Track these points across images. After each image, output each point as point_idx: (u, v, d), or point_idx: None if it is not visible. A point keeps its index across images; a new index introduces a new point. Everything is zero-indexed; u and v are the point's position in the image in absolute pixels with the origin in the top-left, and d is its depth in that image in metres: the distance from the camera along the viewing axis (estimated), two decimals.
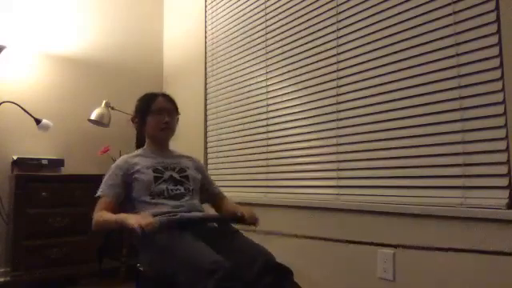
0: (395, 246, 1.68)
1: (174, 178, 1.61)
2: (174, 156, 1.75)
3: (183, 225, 1.42)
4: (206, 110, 2.99)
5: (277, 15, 2.37)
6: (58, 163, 2.82)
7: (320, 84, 2.08)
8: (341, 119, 1.96)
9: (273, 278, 1.28)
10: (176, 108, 1.72)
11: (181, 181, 1.62)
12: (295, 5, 2.24)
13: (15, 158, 2.67)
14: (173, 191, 1.57)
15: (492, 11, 1.43)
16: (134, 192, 1.57)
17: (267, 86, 2.43)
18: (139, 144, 1.77)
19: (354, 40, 1.92)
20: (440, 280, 1.53)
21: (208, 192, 1.78)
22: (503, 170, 1.39)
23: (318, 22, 2.10)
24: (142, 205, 1.54)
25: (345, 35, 1.96)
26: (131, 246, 2.64)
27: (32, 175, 2.57)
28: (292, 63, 2.25)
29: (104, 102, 2.95)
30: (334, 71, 2.01)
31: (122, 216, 1.41)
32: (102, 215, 1.50)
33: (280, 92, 2.33)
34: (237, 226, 1.58)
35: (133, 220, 1.30)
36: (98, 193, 1.58)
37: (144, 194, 1.55)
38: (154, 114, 1.64)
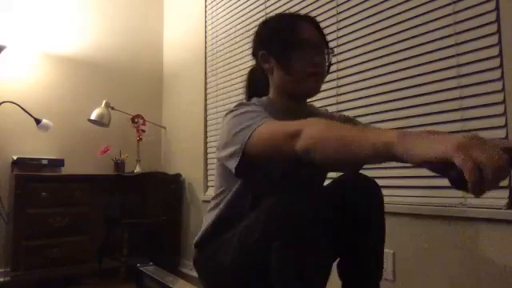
0: (395, 246, 1.68)
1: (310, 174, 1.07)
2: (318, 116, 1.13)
3: None
4: (205, 110, 2.99)
5: None
6: (58, 163, 2.82)
7: None
8: None
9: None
10: (327, 43, 1.12)
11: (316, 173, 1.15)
12: (295, 5, 2.24)
13: (15, 158, 2.67)
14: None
15: (492, 11, 1.43)
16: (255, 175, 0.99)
17: None
18: (252, 93, 1.21)
19: (353, 40, 1.92)
20: (440, 280, 1.53)
21: None
22: None
23: (318, 22, 2.10)
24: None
25: (345, 35, 1.96)
26: (131, 246, 2.65)
27: (32, 175, 2.57)
28: None
29: (104, 102, 2.96)
30: (334, 71, 2.01)
31: (391, 135, 0.64)
32: (330, 124, 0.78)
33: None
34: None
35: (448, 146, 0.55)
36: (254, 127, 0.87)
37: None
38: (300, 48, 1.03)
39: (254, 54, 1.12)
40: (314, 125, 0.75)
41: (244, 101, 1.13)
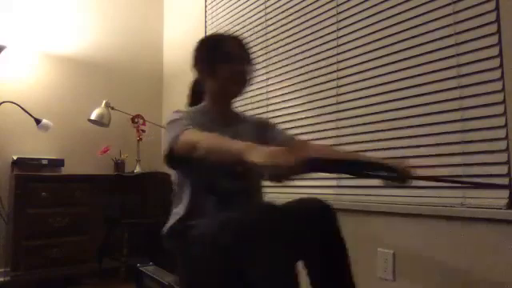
0: (395, 246, 1.68)
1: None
2: (237, 123, 1.37)
3: (340, 166, 1.14)
4: None
5: (277, 15, 2.37)
6: (58, 163, 2.82)
7: (320, 84, 2.08)
8: (341, 119, 1.96)
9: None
10: (251, 58, 1.35)
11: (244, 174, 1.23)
12: (295, 5, 2.25)
13: (15, 158, 2.67)
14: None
15: (492, 11, 1.43)
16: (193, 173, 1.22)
17: (267, 85, 2.43)
18: (193, 102, 1.41)
19: (354, 40, 1.92)
20: (440, 280, 1.53)
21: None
22: (503, 170, 1.39)
23: (318, 22, 2.10)
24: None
25: (345, 35, 1.96)
26: (131, 245, 2.65)
27: (32, 175, 2.57)
28: (292, 63, 2.25)
29: (104, 102, 2.95)
30: (334, 71, 2.01)
31: (247, 147, 0.93)
32: (215, 137, 1.06)
33: (280, 92, 2.33)
34: None
35: (262, 155, 0.88)
36: (179, 130, 1.12)
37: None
38: (225, 61, 1.26)
39: (193, 68, 1.34)
40: (203, 138, 1.06)
41: (185, 108, 1.37)
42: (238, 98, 1.39)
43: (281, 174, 0.87)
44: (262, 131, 1.40)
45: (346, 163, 1.17)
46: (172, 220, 1.26)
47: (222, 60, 1.26)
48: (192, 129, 1.12)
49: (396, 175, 1.16)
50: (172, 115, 1.22)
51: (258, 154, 0.88)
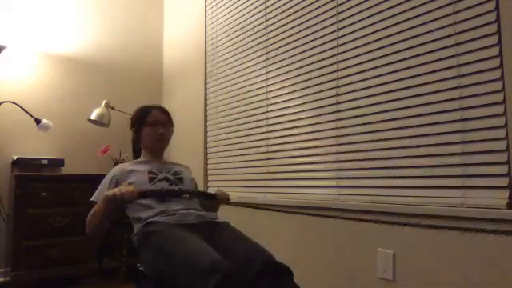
0: (395, 246, 1.68)
1: (168, 178, 1.68)
2: (168, 163, 1.83)
3: (161, 195, 1.56)
4: (205, 109, 2.99)
5: (277, 15, 2.37)
6: (58, 163, 2.82)
7: (320, 84, 2.08)
8: (341, 119, 1.96)
9: (273, 278, 1.27)
10: (171, 120, 1.82)
11: (175, 181, 1.68)
12: (295, 5, 2.24)
13: (15, 158, 2.67)
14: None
15: (492, 11, 1.43)
16: None
17: (267, 86, 2.43)
18: (135, 153, 1.87)
19: (354, 40, 1.91)
20: (440, 280, 1.53)
21: None
22: (503, 169, 1.39)
23: (318, 22, 2.10)
24: (138, 207, 1.55)
25: (345, 35, 1.96)
26: (131, 246, 2.65)
27: (32, 175, 2.58)
28: (292, 63, 2.25)
29: (104, 101, 2.95)
30: (334, 71, 2.01)
31: (105, 194, 1.47)
32: (89, 214, 1.56)
33: (280, 92, 2.33)
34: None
35: (111, 191, 1.42)
36: (92, 198, 1.65)
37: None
38: (150, 125, 1.73)
39: (131, 129, 1.82)
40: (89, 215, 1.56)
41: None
42: (166, 147, 1.83)
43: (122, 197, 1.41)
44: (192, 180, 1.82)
45: (173, 192, 1.63)
46: (138, 224, 1.54)
47: (145, 125, 1.73)
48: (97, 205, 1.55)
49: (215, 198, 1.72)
50: (104, 179, 1.69)
51: (111, 192, 1.44)
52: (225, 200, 1.73)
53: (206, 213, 1.62)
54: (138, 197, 1.46)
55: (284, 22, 2.32)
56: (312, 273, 2.01)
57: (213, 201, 1.73)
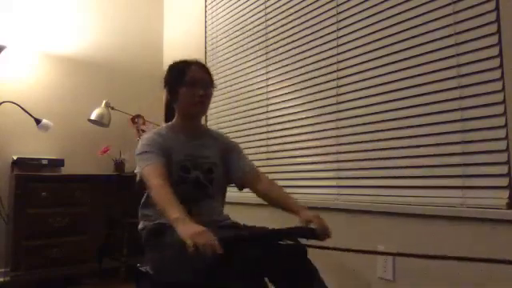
0: (395, 246, 1.68)
1: (199, 181, 1.44)
2: (203, 137, 1.55)
3: (252, 242, 1.17)
4: None
5: (277, 15, 2.37)
6: (58, 163, 2.82)
7: (320, 84, 2.08)
8: (341, 119, 1.96)
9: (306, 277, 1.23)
10: (212, 80, 1.53)
11: (204, 185, 1.46)
12: (295, 5, 2.24)
13: (15, 158, 2.67)
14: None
15: (492, 11, 1.43)
16: None
17: (267, 86, 2.43)
18: (168, 118, 1.57)
19: (353, 40, 1.92)
20: (440, 280, 1.53)
21: (236, 174, 1.55)
22: (503, 169, 1.39)
23: (318, 22, 2.10)
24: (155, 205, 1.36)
25: (345, 35, 1.96)
26: (131, 246, 2.65)
27: (32, 175, 2.57)
28: (292, 63, 2.25)
29: (104, 101, 2.95)
30: (334, 71, 2.01)
31: (180, 220, 1.12)
32: (165, 194, 1.24)
33: (280, 92, 2.33)
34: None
35: (186, 234, 1.03)
36: (143, 165, 1.36)
37: None
38: (188, 85, 1.43)
39: (164, 88, 1.54)
40: (155, 187, 1.28)
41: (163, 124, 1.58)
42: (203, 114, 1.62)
43: (202, 253, 0.99)
44: (227, 155, 1.55)
45: (262, 237, 1.26)
46: (146, 221, 1.45)
47: (182, 84, 1.44)
48: (152, 165, 1.35)
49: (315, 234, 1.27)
50: (141, 145, 1.43)
51: (183, 232, 1.05)
52: (324, 236, 1.29)
53: (279, 229, 1.35)
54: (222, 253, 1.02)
55: (284, 22, 2.32)
56: None
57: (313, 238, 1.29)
